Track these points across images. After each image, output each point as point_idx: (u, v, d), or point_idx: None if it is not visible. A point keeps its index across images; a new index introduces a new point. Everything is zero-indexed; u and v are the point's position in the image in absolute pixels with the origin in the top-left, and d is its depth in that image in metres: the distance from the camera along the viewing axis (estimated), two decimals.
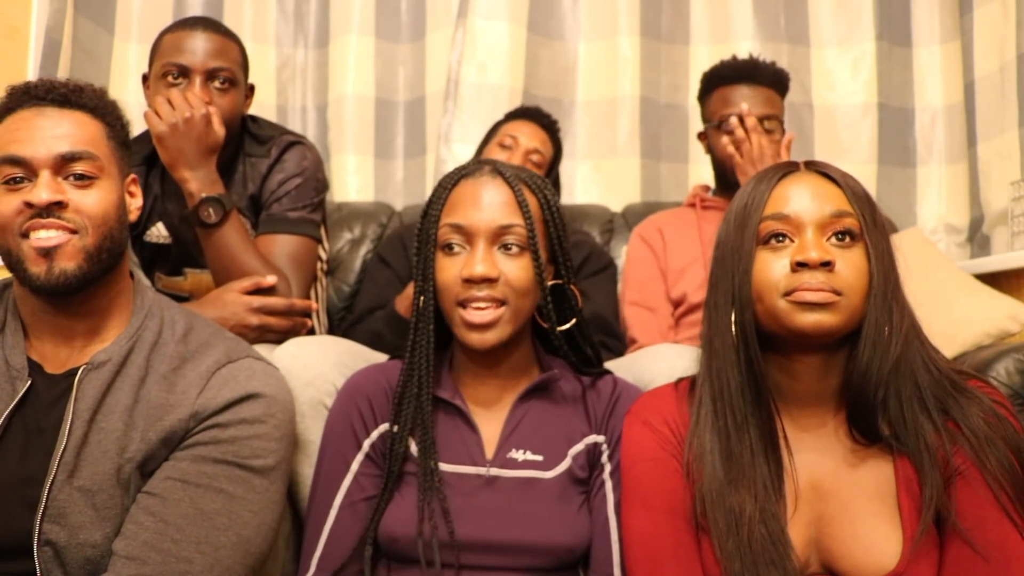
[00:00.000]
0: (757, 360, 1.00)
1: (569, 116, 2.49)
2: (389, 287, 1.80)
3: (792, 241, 1.00)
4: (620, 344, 1.79)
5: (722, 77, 1.86)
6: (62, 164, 1.08)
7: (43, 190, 1.05)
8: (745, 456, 1.00)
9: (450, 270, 1.12)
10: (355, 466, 1.15)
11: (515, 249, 1.12)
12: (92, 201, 1.09)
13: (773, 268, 0.99)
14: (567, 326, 1.20)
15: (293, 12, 2.56)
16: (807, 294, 0.96)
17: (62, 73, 2.19)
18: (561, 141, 2.08)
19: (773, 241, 1.01)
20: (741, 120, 1.80)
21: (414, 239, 1.19)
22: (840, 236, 0.99)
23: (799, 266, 0.97)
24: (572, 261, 1.21)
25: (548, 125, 2.03)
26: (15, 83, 1.13)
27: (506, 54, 2.38)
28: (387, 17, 2.54)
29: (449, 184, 1.17)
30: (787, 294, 0.97)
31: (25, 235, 1.06)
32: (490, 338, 1.11)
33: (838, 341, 1.00)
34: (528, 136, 1.97)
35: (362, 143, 2.51)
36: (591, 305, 1.79)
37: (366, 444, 1.16)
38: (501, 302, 1.11)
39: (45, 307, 1.11)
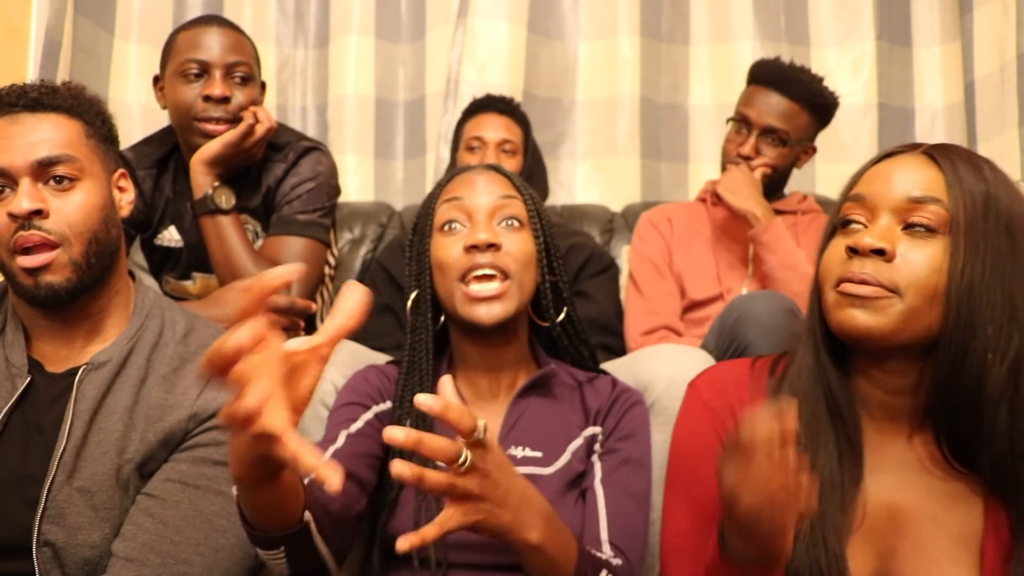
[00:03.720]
0: (829, 356, 0.90)
1: (569, 116, 2.50)
2: (390, 296, 1.80)
3: (865, 227, 0.88)
4: (621, 343, 1.79)
5: (756, 76, 1.85)
6: (40, 170, 1.06)
7: (23, 199, 1.04)
8: (819, 460, 0.88)
9: (451, 247, 1.11)
10: (367, 415, 1.13)
11: (515, 223, 1.14)
12: (74, 207, 1.07)
13: (834, 253, 0.89)
14: (560, 318, 1.20)
15: (293, 12, 2.56)
16: (851, 285, 0.85)
17: (62, 73, 2.18)
18: (525, 115, 2.06)
19: (848, 225, 0.90)
20: (749, 126, 1.80)
21: (412, 242, 1.19)
22: (916, 225, 0.86)
23: (851, 252, 0.86)
24: (562, 258, 1.21)
25: (507, 109, 2.02)
26: None
27: (506, 54, 2.38)
28: (387, 17, 2.54)
29: (444, 182, 1.19)
30: (837, 284, 0.87)
31: (13, 251, 1.05)
32: (497, 311, 1.10)
33: (925, 349, 0.86)
34: (493, 129, 1.96)
35: (362, 143, 2.51)
36: (593, 306, 1.79)
37: (375, 407, 1.15)
38: (505, 274, 1.10)
39: (41, 314, 1.11)
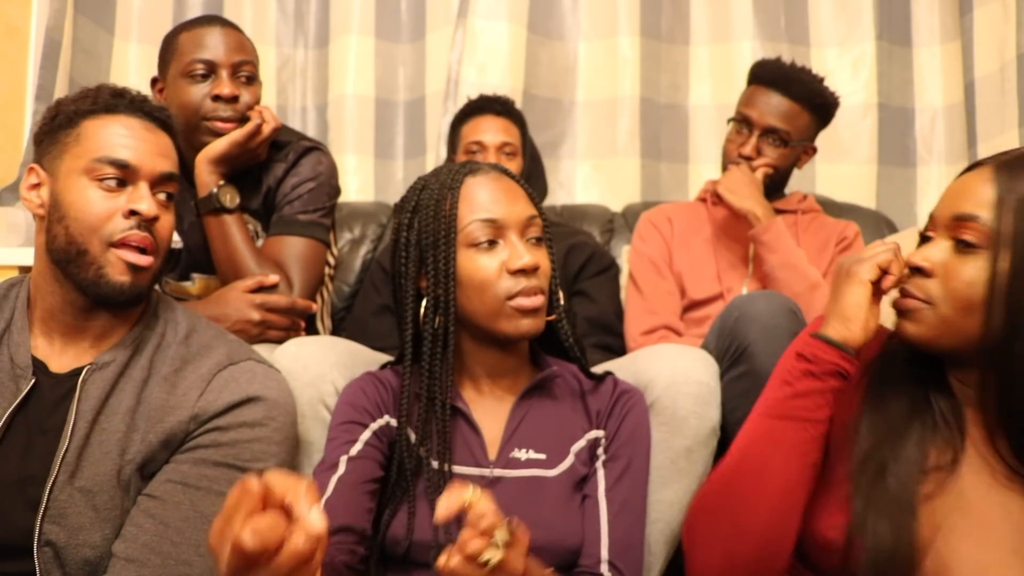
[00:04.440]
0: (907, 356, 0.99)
1: (569, 116, 2.49)
2: (389, 296, 1.80)
3: (931, 242, 0.97)
4: (622, 343, 1.79)
5: (756, 76, 1.85)
6: (158, 182, 1.11)
7: (149, 202, 1.09)
8: (911, 436, 0.95)
9: (490, 266, 1.11)
10: (365, 435, 1.14)
11: (536, 240, 1.15)
12: (169, 224, 1.14)
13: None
14: (552, 317, 1.21)
15: (293, 12, 2.56)
16: (898, 299, 0.96)
17: (62, 73, 2.18)
18: (522, 114, 2.04)
19: (926, 240, 0.98)
20: (750, 126, 1.80)
21: (409, 245, 1.17)
22: (960, 241, 0.92)
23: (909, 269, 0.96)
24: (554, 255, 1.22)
25: (503, 110, 1.98)
26: (105, 83, 1.16)
27: (506, 54, 2.38)
28: (387, 17, 2.54)
29: (456, 185, 1.15)
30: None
31: (115, 245, 1.07)
32: (540, 322, 1.13)
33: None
34: (492, 132, 1.94)
35: (362, 143, 2.51)
36: (594, 306, 1.79)
37: (373, 424, 1.15)
38: (542, 290, 1.13)
39: (70, 308, 1.11)
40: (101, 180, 1.08)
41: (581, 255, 1.85)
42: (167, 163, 1.13)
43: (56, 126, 1.11)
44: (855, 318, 0.95)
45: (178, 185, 1.16)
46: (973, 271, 0.90)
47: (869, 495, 0.92)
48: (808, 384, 0.95)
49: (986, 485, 0.93)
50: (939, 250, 0.94)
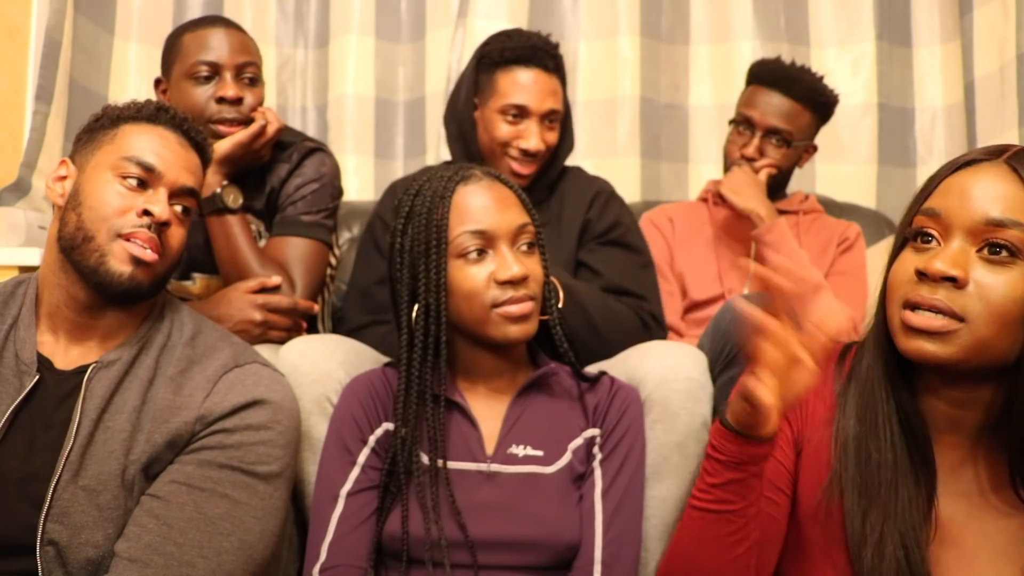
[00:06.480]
0: (896, 368, 0.88)
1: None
2: (380, 272, 1.74)
3: (939, 244, 0.84)
4: (638, 301, 1.60)
5: (757, 76, 1.85)
6: (179, 193, 1.15)
7: (163, 207, 1.11)
8: (885, 466, 0.87)
9: (478, 276, 1.13)
10: (361, 459, 1.16)
11: (528, 247, 1.16)
12: (181, 236, 1.16)
13: (903, 270, 0.85)
14: (546, 317, 1.22)
15: (293, 12, 2.56)
16: (920, 318, 0.81)
17: (62, 73, 2.18)
18: (563, 64, 1.68)
19: (920, 240, 0.85)
20: (752, 127, 1.80)
21: (403, 251, 1.18)
22: (994, 249, 0.81)
23: (920, 275, 0.82)
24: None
25: (554, 66, 1.62)
26: (152, 100, 1.20)
27: None
28: (387, 17, 2.53)
29: (447, 194, 1.16)
30: (904, 305, 0.84)
31: (124, 238, 1.09)
32: (530, 328, 1.15)
33: (1003, 369, 0.83)
34: (540, 97, 1.58)
35: (362, 143, 2.50)
36: (599, 280, 1.60)
37: (371, 439, 1.17)
38: (531, 297, 1.14)
39: (73, 303, 1.12)
40: (124, 178, 1.11)
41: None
42: (191, 178, 1.16)
43: (97, 126, 1.16)
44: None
45: (197, 204, 1.19)
46: (1013, 284, 0.79)
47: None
48: (726, 475, 0.86)
49: (964, 515, 0.88)
50: (966, 256, 0.81)
